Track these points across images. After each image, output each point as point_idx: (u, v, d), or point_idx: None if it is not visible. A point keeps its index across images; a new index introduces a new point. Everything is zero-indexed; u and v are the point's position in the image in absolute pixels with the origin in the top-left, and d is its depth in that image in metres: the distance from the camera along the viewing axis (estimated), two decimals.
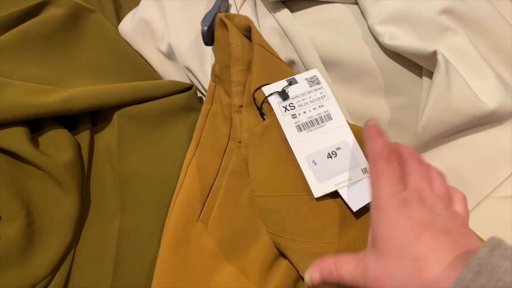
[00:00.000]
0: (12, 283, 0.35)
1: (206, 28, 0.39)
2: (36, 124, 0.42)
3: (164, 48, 0.47)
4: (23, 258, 0.37)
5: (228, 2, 0.46)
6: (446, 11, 0.38)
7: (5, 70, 0.42)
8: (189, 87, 0.45)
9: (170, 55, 0.47)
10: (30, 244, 0.38)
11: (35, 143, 0.40)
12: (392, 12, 0.38)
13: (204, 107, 0.41)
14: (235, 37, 0.37)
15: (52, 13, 0.46)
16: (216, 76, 0.41)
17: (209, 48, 0.45)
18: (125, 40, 0.49)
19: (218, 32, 0.39)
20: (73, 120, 0.44)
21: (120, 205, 0.41)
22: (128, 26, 0.49)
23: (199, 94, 0.47)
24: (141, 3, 0.50)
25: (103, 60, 0.48)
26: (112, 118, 0.44)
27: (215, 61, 0.41)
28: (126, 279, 0.38)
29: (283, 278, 0.34)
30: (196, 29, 0.45)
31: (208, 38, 0.40)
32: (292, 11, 0.43)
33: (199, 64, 0.45)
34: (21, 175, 0.40)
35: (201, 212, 0.38)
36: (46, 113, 0.40)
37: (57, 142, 0.41)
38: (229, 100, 0.39)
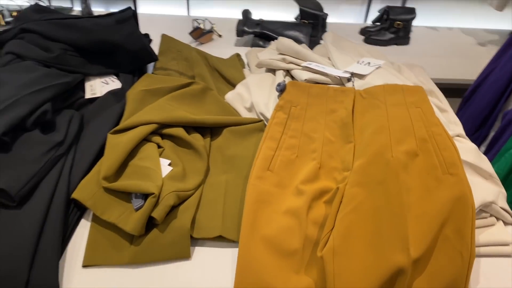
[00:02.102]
0: (177, 187, 0.72)
1: (282, 86, 0.86)
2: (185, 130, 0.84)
3: (248, 105, 0.92)
4: (182, 180, 0.74)
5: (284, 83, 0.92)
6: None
7: (175, 106, 0.87)
8: (260, 120, 0.89)
9: (250, 108, 0.92)
10: (184, 176, 0.76)
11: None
12: None
13: (269, 120, 0.82)
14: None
15: (194, 87, 0.94)
16: (280, 106, 0.84)
17: (272, 102, 0.90)
18: (227, 102, 0.96)
19: (290, 88, 0.87)
20: (200, 132, 0.86)
21: (224, 170, 0.80)
22: (230, 95, 0.96)
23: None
24: (237, 87, 0.98)
25: (216, 110, 0.93)
26: (221, 132, 0.86)
27: (280, 100, 0.85)
28: (231, 201, 0.74)
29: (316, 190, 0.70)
30: (265, 94, 0.91)
31: (282, 90, 0.87)
32: None
33: (266, 110, 0.89)
34: (178, 150, 0.81)
35: (269, 166, 0.75)
36: (193, 122, 0.84)
37: (196, 137, 0.83)
38: (285, 116, 0.82)
